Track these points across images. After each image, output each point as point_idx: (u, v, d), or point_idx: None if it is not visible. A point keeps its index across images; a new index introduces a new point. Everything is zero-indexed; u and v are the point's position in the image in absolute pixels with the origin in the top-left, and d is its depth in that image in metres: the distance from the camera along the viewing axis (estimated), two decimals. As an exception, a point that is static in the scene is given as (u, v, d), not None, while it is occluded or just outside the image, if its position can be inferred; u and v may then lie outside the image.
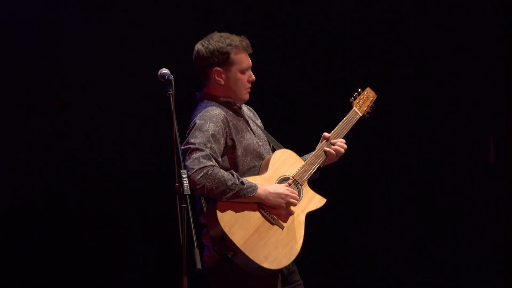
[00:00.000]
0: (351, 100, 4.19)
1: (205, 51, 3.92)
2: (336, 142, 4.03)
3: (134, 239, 5.95)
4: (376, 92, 4.28)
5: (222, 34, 3.96)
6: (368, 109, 4.21)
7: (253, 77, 3.97)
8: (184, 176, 3.50)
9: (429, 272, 6.25)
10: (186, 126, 5.80)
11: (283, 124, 5.93)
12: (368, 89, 4.25)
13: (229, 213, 3.72)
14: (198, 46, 3.96)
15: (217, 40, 3.91)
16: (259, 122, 4.16)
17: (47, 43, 5.89)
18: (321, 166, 4.04)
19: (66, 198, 5.90)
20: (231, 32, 4.00)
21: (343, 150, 4.02)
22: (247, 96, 3.99)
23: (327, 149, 4.00)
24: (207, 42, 3.93)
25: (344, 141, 4.05)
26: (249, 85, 3.98)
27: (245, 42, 3.94)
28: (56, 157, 5.88)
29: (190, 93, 6.22)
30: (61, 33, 5.91)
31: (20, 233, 5.79)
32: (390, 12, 6.29)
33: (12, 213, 5.77)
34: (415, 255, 6.28)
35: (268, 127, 4.21)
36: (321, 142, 4.04)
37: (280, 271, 3.81)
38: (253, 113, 4.17)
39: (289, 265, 3.84)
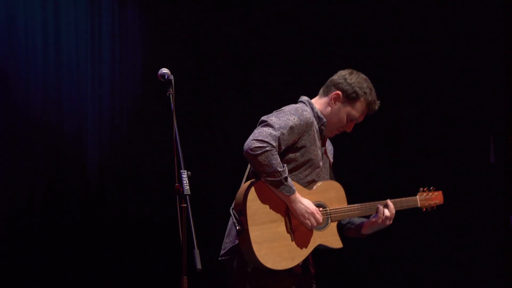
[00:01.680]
0: (420, 189, 4.35)
1: (348, 77, 4.06)
2: (390, 205, 4.12)
3: (135, 239, 5.95)
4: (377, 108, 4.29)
5: (370, 84, 4.08)
6: (428, 207, 4.37)
7: (350, 129, 4.11)
8: (184, 176, 3.50)
9: (429, 272, 6.25)
10: (186, 126, 5.82)
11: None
12: (440, 193, 4.43)
13: (260, 197, 3.81)
14: (350, 71, 4.11)
15: (363, 82, 4.06)
16: (331, 157, 4.22)
17: (47, 42, 5.89)
18: (369, 231, 4.14)
19: (67, 198, 5.90)
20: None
21: (388, 214, 4.10)
22: (330, 135, 4.12)
23: (380, 206, 4.11)
24: (356, 75, 4.08)
25: (394, 211, 4.12)
26: (341, 130, 4.11)
27: (376, 106, 4.08)
28: (57, 157, 5.88)
29: (190, 92, 6.25)
30: (59, 31, 5.91)
31: (21, 234, 5.79)
32: (391, 11, 6.29)
33: (12, 213, 5.78)
34: (414, 255, 6.28)
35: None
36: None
37: (277, 273, 3.83)
38: (331, 148, 4.25)
39: (303, 267, 3.91)
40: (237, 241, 3.86)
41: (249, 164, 3.94)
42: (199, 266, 3.33)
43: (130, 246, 5.94)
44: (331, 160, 4.21)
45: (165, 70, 3.78)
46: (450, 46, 6.27)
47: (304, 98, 4.10)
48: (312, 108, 4.03)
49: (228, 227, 3.98)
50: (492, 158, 6.20)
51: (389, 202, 4.13)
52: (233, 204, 3.89)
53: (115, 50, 6.06)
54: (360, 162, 6.31)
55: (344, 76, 4.08)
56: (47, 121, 5.87)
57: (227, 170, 5.96)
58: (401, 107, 6.32)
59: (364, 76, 4.10)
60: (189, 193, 3.50)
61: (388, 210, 4.10)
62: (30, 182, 5.80)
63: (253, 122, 6.33)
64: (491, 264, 6.15)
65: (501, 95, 6.20)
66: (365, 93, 4.03)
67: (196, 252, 3.35)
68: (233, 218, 3.83)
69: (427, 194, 4.36)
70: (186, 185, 3.50)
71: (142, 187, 5.98)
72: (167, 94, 3.71)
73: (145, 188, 5.97)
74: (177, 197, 3.51)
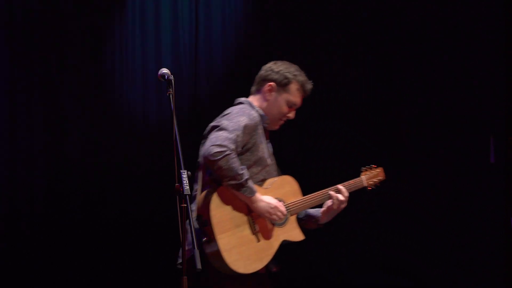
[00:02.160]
0: (362, 169, 4.37)
1: (275, 67, 4.12)
2: (341, 189, 4.16)
3: (135, 239, 5.95)
4: (385, 174, 4.44)
5: (298, 68, 4.16)
6: (373, 185, 4.39)
7: (293, 116, 4.15)
8: (184, 176, 3.51)
9: (428, 272, 6.25)
10: (187, 125, 5.81)
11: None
12: (381, 169, 4.43)
13: (222, 205, 3.84)
14: (273, 62, 4.17)
15: (290, 66, 4.14)
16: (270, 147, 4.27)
17: (45, 42, 5.89)
18: (326, 219, 4.17)
19: (67, 198, 5.90)
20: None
21: (342, 198, 4.13)
22: (275, 127, 4.16)
23: (332, 192, 4.14)
24: (281, 63, 4.15)
25: (347, 194, 4.16)
26: (285, 119, 4.14)
27: (309, 85, 4.14)
28: (57, 157, 5.88)
29: (191, 92, 6.24)
30: (60, 34, 5.92)
31: (21, 234, 5.79)
32: (391, 11, 6.29)
33: (12, 213, 5.77)
34: (414, 255, 6.27)
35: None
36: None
37: (247, 275, 3.89)
38: (270, 145, 4.26)
39: (266, 266, 3.96)
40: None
41: (199, 173, 3.97)
42: (199, 266, 3.34)
43: (130, 246, 5.93)
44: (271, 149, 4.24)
45: (165, 70, 3.79)
46: (450, 46, 6.26)
47: (242, 99, 4.14)
48: (253, 107, 4.07)
49: (187, 235, 3.95)
50: (492, 158, 6.20)
51: (339, 186, 4.17)
52: (194, 214, 3.89)
53: (115, 49, 6.05)
54: (360, 162, 6.30)
55: (270, 67, 4.13)
56: (47, 121, 5.87)
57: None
58: (401, 107, 6.32)
59: (288, 62, 4.16)
60: (189, 193, 3.50)
61: (341, 194, 4.13)
62: (30, 182, 5.80)
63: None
64: (491, 264, 6.15)
65: (501, 95, 6.20)
66: (295, 75, 4.09)
67: (196, 252, 3.35)
68: (197, 227, 3.84)
69: (370, 173, 4.37)
70: (186, 185, 3.50)
71: (142, 187, 5.97)
72: (167, 94, 3.72)
73: (145, 188, 5.97)
74: (177, 197, 3.51)
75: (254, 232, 3.91)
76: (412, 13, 6.29)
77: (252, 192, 3.85)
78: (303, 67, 6.25)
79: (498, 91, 6.20)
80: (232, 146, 3.79)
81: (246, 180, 3.82)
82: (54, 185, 5.86)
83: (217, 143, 3.77)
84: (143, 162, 6.01)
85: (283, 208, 3.95)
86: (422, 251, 6.25)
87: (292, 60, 6.26)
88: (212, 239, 3.79)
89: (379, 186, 4.40)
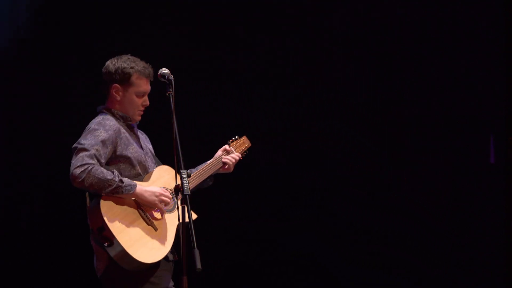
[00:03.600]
0: (228, 142, 4.60)
1: (111, 67, 4.19)
2: (231, 151, 4.49)
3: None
4: (251, 141, 4.73)
5: (131, 57, 4.23)
6: (243, 154, 4.65)
7: (148, 102, 4.23)
8: (184, 176, 3.52)
9: (428, 272, 6.25)
10: (186, 125, 5.81)
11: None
12: (244, 137, 4.71)
13: (111, 206, 3.93)
14: (108, 62, 4.24)
15: (124, 61, 4.20)
16: (150, 146, 4.40)
17: (44, 42, 5.89)
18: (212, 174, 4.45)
19: (67, 198, 5.90)
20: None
21: (234, 161, 4.47)
22: (138, 118, 4.27)
23: (225, 158, 4.45)
24: (115, 60, 4.22)
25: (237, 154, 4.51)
26: (142, 109, 4.25)
27: (148, 70, 4.21)
28: (56, 157, 5.88)
29: (191, 92, 6.25)
30: (56, 33, 5.93)
31: (21, 234, 5.79)
32: (390, 10, 6.29)
33: (12, 213, 5.77)
34: (414, 255, 6.27)
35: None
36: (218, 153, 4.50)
37: (157, 265, 4.00)
38: (145, 137, 4.42)
39: (170, 264, 4.10)
40: (110, 259, 3.94)
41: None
42: (199, 266, 3.35)
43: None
44: (150, 148, 4.36)
45: (165, 70, 3.80)
46: (450, 46, 6.26)
47: (100, 107, 4.25)
48: (113, 113, 4.19)
49: (95, 252, 4.11)
50: (492, 158, 6.20)
51: (228, 148, 4.48)
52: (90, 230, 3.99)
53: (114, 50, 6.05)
54: (360, 162, 6.31)
55: (107, 70, 4.20)
56: (47, 120, 5.87)
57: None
58: (401, 107, 6.32)
59: (120, 57, 4.22)
60: (189, 193, 3.51)
61: (232, 155, 4.45)
62: (30, 182, 5.81)
63: (254, 121, 6.34)
64: (491, 264, 6.15)
65: (501, 95, 6.20)
66: (131, 67, 4.16)
67: (196, 252, 3.36)
68: (96, 239, 3.95)
69: (236, 143, 4.62)
70: (186, 185, 3.51)
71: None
72: (167, 94, 3.74)
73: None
74: (177, 197, 3.52)
75: (149, 223, 4.00)
76: (412, 13, 6.29)
77: (132, 188, 3.95)
78: (302, 67, 6.31)
79: (498, 91, 6.20)
80: (92, 161, 3.91)
81: (120, 180, 3.92)
82: (54, 185, 5.87)
83: (78, 164, 3.90)
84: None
85: (167, 193, 4.05)
86: (422, 251, 6.25)
87: (291, 60, 6.30)
88: (113, 241, 3.87)
89: (248, 153, 4.65)
